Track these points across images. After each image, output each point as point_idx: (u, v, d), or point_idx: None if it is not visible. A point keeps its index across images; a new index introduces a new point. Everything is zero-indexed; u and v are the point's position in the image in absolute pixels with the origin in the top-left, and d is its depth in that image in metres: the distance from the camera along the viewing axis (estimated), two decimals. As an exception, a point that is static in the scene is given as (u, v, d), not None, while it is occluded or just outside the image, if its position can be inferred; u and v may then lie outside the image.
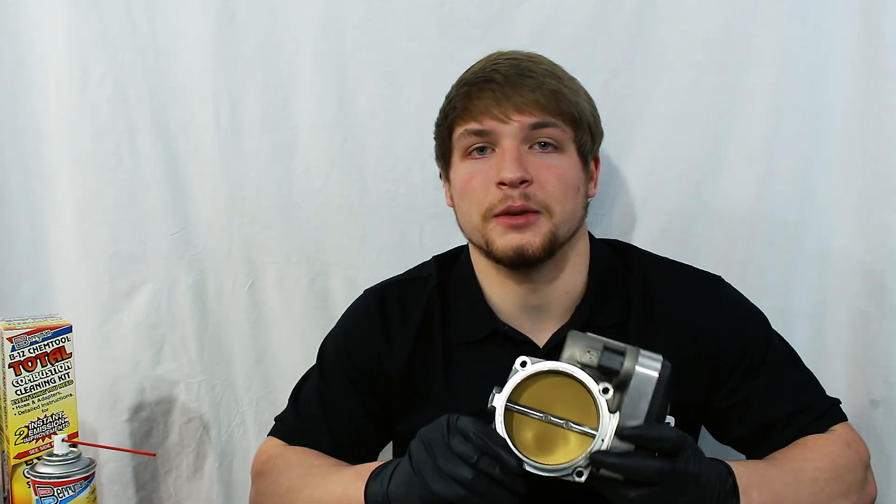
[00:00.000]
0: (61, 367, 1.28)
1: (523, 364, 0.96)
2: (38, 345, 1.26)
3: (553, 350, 1.14)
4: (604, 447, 0.92)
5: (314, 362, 1.28)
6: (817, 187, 1.38)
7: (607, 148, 1.40)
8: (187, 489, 1.54)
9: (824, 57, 1.36)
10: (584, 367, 0.95)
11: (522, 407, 0.95)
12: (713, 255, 1.38)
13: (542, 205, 1.09)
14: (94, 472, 1.19)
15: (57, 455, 1.18)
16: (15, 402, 1.25)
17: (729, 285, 1.21)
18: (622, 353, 0.94)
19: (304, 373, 1.28)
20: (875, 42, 1.33)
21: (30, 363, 1.25)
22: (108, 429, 1.50)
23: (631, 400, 0.93)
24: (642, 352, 0.95)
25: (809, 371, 1.19)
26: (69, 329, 1.28)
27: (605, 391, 0.94)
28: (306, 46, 1.45)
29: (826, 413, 1.15)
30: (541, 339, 1.16)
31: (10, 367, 1.25)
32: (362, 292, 1.27)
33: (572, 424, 0.94)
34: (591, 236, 1.22)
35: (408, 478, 0.94)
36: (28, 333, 1.25)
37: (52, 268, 1.52)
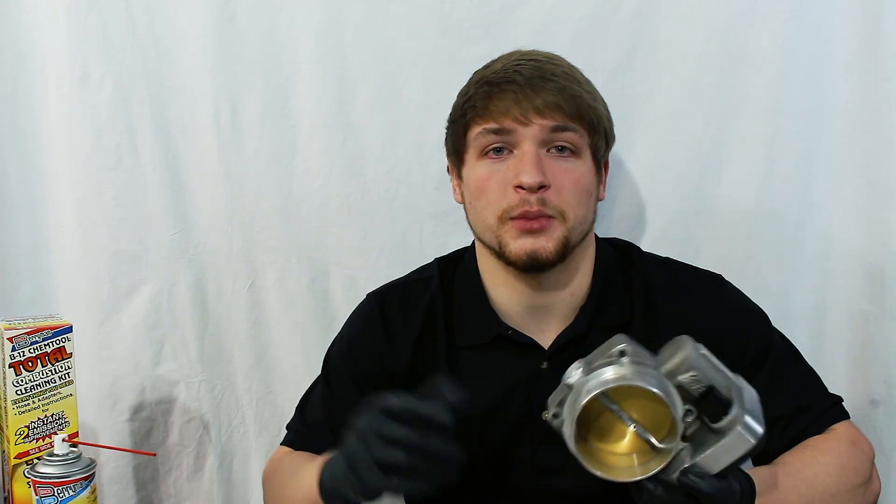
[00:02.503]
0: (61, 367, 1.28)
1: (622, 353, 0.92)
2: (38, 345, 1.26)
3: (557, 352, 1.14)
4: (659, 472, 0.90)
5: (314, 362, 1.28)
6: (817, 187, 1.38)
7: (608, 148, 1.40)
8: (187, 489, 1.54)
9: (824, 57, 1.35)
10: (679, 386, 0.90)
11: (604, 397, 0.91)
12: (713, 255, 1.38)
13: (558, 210, 1.09)
14: (94, 472, 1.20)
15: (57, 455, 1.18)
16: (15, 401, 1.25)
17: (729, 284, 1.21)
18: (726, 409, 0.89)
19: (312, 382, 1.28)
20: (875, 42, 1.33)
21: (30, 363, 1.26)
22: (108, 429, 1.50)
23: (715, 452, 0.89)
24: (747, 409, 0.89)
25: (811, 369, 1.19)
26: (69, 329, 1.28)
27: (689, 413, 0.90)
28: (306, 46, 1.45)
29: (828, 411, 1.15)
30: (545, 341, 1.16)
31: (10, 366, 1.25)
32: (365, 296, 1.27)
33: (641, 430, 0.90)
34: (595, 236, 1.22)
35: (343, 472, 0.92)
36: (28, 333, 1.25)
37: (52, 268, 1.52)
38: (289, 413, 1.29)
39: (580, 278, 1.17)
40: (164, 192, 1.48)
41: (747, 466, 1.05)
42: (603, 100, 1.17)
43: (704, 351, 0.93)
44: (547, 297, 1.16)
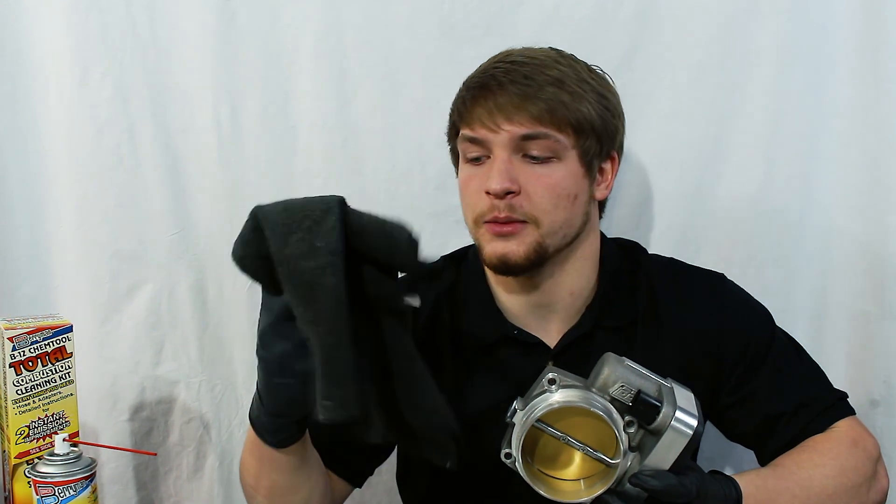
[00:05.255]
0: (62, 366, 1.28)
1: (552, 381, 0.95)
2: (38, 344, 1.26)
3: (563, 351, 1.15)
4: (614, 484, 0.93)
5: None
6: (817, 187, 1.38)
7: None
8: (187, 489, 1.54)
9: (824, 57, 1.36)
10: (612, 399, 0.94)
11: (543, 424, 0.94)
12: (714, 255, 1.38)
13: (529, 215, 1.09)
14: (94, 472, 1.20)
15: (58, 455, 1.18)
16: (16, 401, 1.25)
17: (731, 283, 1.21)
18: (657, 407, 0.93)
19: None
20: (875, 42, 1.33)
21: (30, 363, 1.26)
22: (108, 429, 1.50)
23: (658, 452, 0.93)
24: (679, 406, 0.93)
25: (815, 365, 1.19)
26: (70, 328, 1.28)
27: (629, 424, 0.94)
28: (306, 46, 1.45)
29: (832, 407, 1.15)
30: (551, 340, 1.16)
31: (10, 366, 1.25)
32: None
33: (590, 450, 0.94)
34: (602, 237, 1.21)
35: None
36: (29, 333, 1.25)
37: (52, 268, 1.51)
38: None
39: (579, 279, 1.17)
40: (164, 192, 1.48)
41: (746, 472, 1.06)
42: (601, 94, 1.13)
43: (629, 362, 0.97)
44: (543, 296, 1.16)
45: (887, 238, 1.34)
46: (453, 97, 1.18)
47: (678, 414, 0.92)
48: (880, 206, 1.35)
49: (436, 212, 1.44)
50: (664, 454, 0.93)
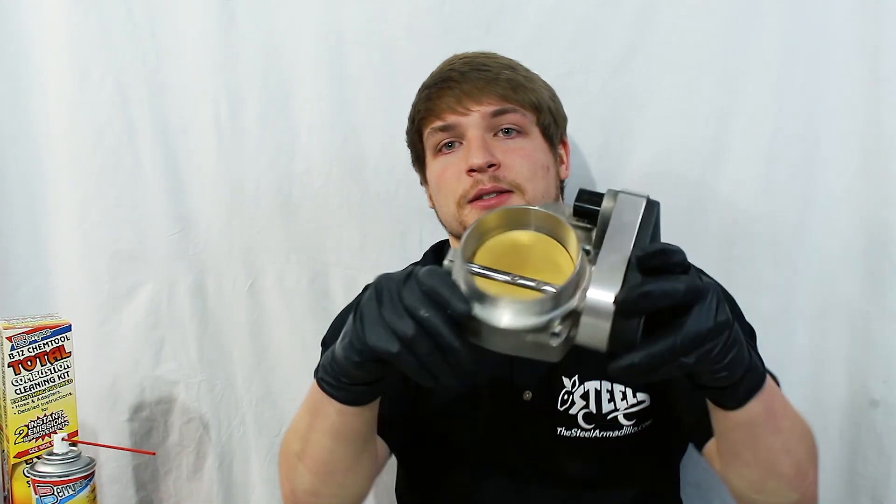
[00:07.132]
0: (61, 366, 1.28)
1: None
2: (37, 344, 1.26)
3: None
4: (583, 300, 0.73)
5: (314, 363, 1.25)
6: (817, 187, 1.38)
7: (608, 147, 1.40)
8: (187, 489, 1.54)
9: (824, 57, 1.35)
10: None
11: (485, 269, 0.77)
12: (713, 255, 1.37)
13: (513, 184, 1.13)
14: (93, 472, 1.20)
15: (57, 454, 1.18)
16: (14, 401, 1.25)
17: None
18: (599, 193, 0.79)
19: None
20: (875, 42, 1.33)
21: (29, 362, 1.25)
22: (108, 429, 1.50)
23: (615, 231, 0.75)
24: (624, 188, 0.80)
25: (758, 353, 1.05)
26: (68, 328, 1.28)
27: (579, 225, 0.79)
28: (306, 46, 1.45)
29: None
30: None
31: (9, 366, 1.25)
32: (363, 287, 1.26)
33: (544, 285, 0.75)
34: None
35: (349, 328, 0.84)
36: (27, 332, 1.25)
37: (52, 268, 1.52)
38: (289, 413, 1.27)
39: None
40: (164, 192, 1.48)
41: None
42: (547, 85, 1.21)
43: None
44: None
45: (887, 237, 1.34)
46: None
47: (624, 188, 0.79)
48: (880, 206, 1.34)
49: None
50: (624, 227, 0.76)
